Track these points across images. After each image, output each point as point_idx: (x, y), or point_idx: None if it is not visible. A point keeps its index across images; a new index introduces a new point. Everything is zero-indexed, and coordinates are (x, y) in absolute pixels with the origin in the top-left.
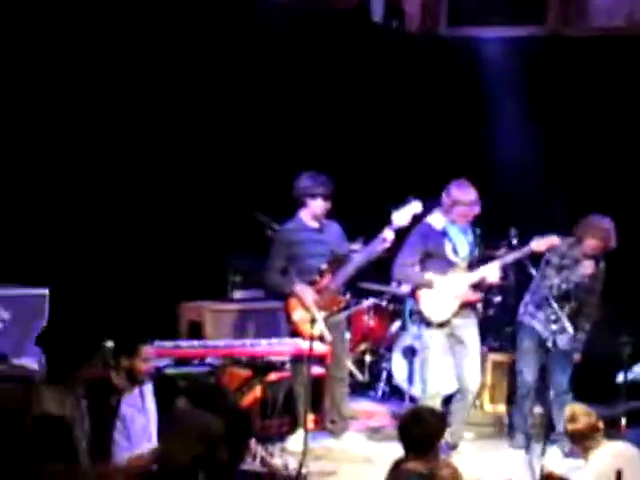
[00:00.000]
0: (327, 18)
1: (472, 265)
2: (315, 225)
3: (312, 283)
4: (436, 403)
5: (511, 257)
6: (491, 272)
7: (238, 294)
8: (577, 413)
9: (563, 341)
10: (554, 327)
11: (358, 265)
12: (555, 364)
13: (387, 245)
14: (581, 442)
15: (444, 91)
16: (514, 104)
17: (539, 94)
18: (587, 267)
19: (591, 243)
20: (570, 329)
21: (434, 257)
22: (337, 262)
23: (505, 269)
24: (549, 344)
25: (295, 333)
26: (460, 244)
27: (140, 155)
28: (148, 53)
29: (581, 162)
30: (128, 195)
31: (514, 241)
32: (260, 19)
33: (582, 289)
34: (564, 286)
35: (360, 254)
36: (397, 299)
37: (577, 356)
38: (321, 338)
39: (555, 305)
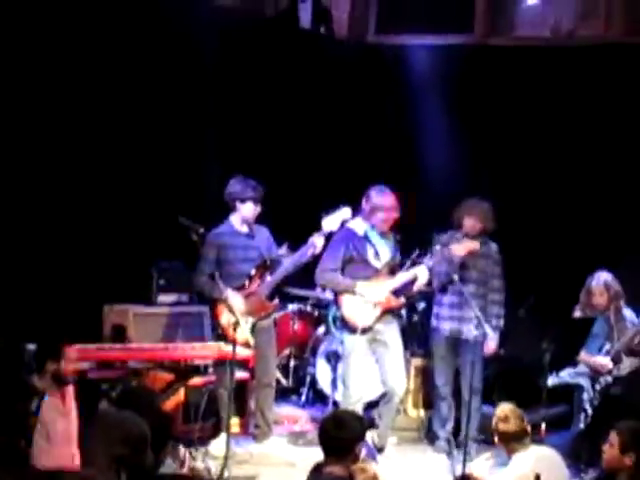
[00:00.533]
0: (256, 24)
1: (393, 270)
2: (245, 230)
3: (241, 288)
4: (358, 409)
5: (434, 260)
6: (421, 274)
7: (162, 298)
8: (509, 415)
9: (470, 332)
10: (458, 317)
11: (287, 270)
12: (466, 366)
13: (317, 251)
14: (509, 443)
15: (372, 98)
16: (441, 112)
17: (466, 102)
18: (461, 247)
19: (469, 222)
20: (474, 318)
21: (356, 262)
22: (266, 267)
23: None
24: (458, 341)
25: (222, 337)
26: (381, 249)
27: (67, 157)
28: (71, 57)
29: (506, 169)
30: (54, 196)
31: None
32: (191, 26)
33: (476, 273)
34: (454, 275)
35: (289, 259)
36: (321, 304)
37: (492, 345)
38: (246, 343)
39: (449, 295)
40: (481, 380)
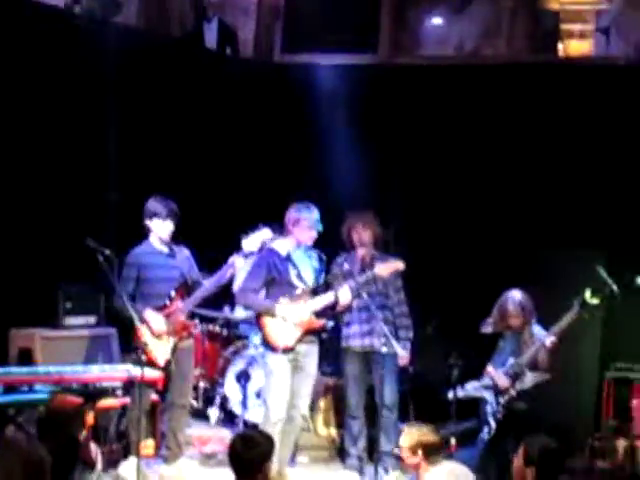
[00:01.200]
0: (162, 44)
1: (317, 291)
2: (166, 249)
3: (162, 308)
4: (277, 429)
5: (355, 282)
6: (342, 295)
7: (70, 320)
8: (428, 429)
9: (379, 342)
10: (368, 331)
11: (207, 292)
12: (380, 380)
13: (236, 272)
14: (428, 457)
15: (279, 117)
16: (348, 130)
17: (372, 120)
18: (385, 268)
19: (356, 235)
20: (382, 336)
21: (278, 283)
22: (187, 287)
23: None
24: (370, 358)
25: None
26: (304, 270)
27: None
28: None
29: (412, 187)
30: None
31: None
32: (95, 44)
33: (381, 285)
34: (367, 275)
35: (209, 280)
36: (230, 324)
37: (404, 359)
38: (166, 366)
39: (355, 312)
40: (396, 394)
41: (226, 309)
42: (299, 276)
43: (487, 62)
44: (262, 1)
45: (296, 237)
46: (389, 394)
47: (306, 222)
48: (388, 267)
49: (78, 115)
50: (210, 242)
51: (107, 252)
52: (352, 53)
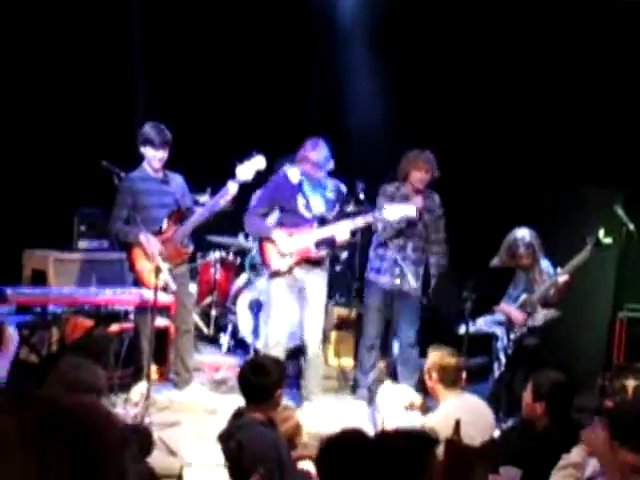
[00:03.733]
0: None
1: (325, 221)
2: (159, 175)
3: (156, 233)
4: (277, 353)
5: (362, 221)
6: (341, 232)
7: (83, 244)
8: (447, 352)
9: (409, 285)
10: (397, 273)
11: (202, 218)
12: (402, 317)
13: (229, 198)
14: (442, 380)
15: (298, 44)
16: (367, 59)
17: (393, 50)
18: (416, 202)
19: (417, 175)
20: (411, 275)
21: (286, 211)
22: (181, 214)
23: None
24: (395, 295)
25: (138, 282)
26: (314, 200)
27: None
28: None
29: (432, 119)
30: None
31: (361, 195)
32: None
33: (420, 228)
34: (396, 226)
35: (203, 207)
36: (244, 252)
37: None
38: (165, 288)
39: (392, 250)
40: (417, 332)
41: (240, 236)
42: (307, 205)
43: None
44: None
45: (303, 170)
46: (411, 331)
47: (312, 161)
48: (399, 211)
49: (96, 40)
50: (205, 169)
51: (123, 174)
52: None
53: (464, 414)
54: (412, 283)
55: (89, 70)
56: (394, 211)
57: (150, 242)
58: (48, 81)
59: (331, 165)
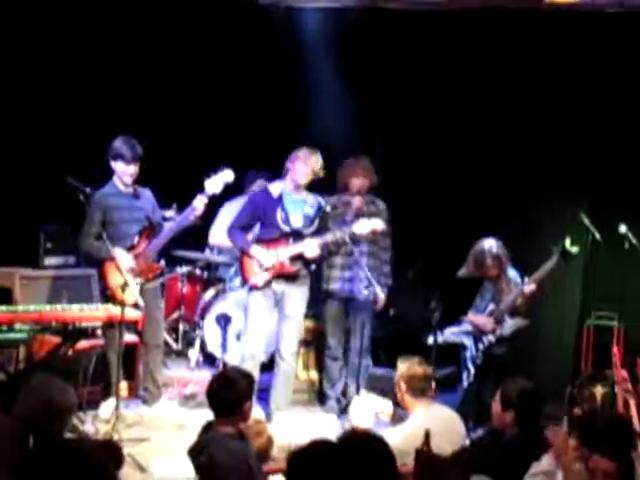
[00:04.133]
0: None
1: (302, 236)
2: (130, 190)
3: (129, 249)
4: (252, 366)
5: (331, 237)
6: (309, 249)
7: (50, 260)
8: (415, 361)
9: (361, 292)
10: (349, 277)
11: (172, 232)
12: (355, 325)
13: (198, 213)
14: (410, 390)
15: (263, 60)
16: (332, 75)
17: (357, 66)
18: (365, 226)
19: (356, 182)
20: (364, 279)
21: (265, 224)
22: (152, 229)
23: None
24: (352, 299)
25: (110, 299)
26: (293, 214)
27: None
28: None
29: (396, 132)
30: None
31: (327, 208)
32: None
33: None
34: (339, 234)
35: (173, 222)
36: (211, 266)
37: (381, 302)
38: (135, 304)
39: (341, 258)
40: (369, 340)
41: (206, 251)
42: (286, 220)
43: (473, 7)
44: None
45: (292, 176)
46: (365, 340)
47: (303, 159)
48: (367, 225)
49: (56, 55)
50: (169, 185)
51: (87, 190)
52: None
53: (434, 424)
54: (362, 289)
55: (52, 85)
56: (363, 225)
57: (121, 258)
58: (9, 97)
59: (322, 174)
